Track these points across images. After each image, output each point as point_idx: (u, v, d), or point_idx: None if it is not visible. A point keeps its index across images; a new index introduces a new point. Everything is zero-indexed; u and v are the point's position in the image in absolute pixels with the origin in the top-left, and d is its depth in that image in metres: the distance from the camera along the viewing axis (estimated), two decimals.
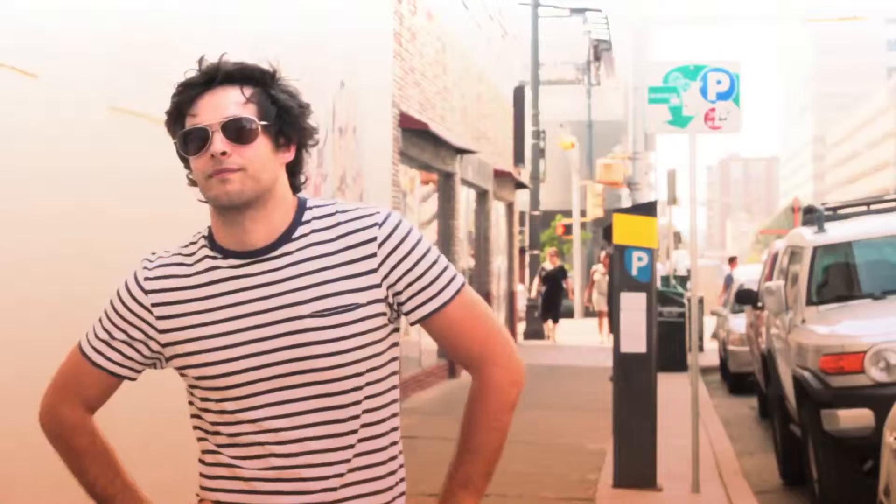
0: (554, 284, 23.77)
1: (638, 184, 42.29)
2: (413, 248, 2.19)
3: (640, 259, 8.24)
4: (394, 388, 2.24)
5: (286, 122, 2.19)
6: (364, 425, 2.16)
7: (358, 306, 2.15)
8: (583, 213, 35.93)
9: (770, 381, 10.13)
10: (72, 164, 5.20)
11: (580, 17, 35.95)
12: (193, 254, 2.24)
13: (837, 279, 8.81)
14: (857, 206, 10.07)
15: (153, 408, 5.90)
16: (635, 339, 8.21)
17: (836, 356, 7.36)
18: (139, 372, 2.32)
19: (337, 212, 2.21)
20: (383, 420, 2.20)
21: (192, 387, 2.23)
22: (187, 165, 2.21)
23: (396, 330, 2.25)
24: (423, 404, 12.83)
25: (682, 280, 25.97)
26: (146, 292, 2.23)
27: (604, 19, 37.19)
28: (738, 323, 16.17)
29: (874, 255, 8.94)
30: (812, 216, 9.34)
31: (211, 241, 2.23)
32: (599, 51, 40.33)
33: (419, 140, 13.97)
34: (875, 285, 8.48)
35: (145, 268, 2.26)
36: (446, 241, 16.43)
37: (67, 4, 5.17)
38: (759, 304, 11.83)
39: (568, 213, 36.40)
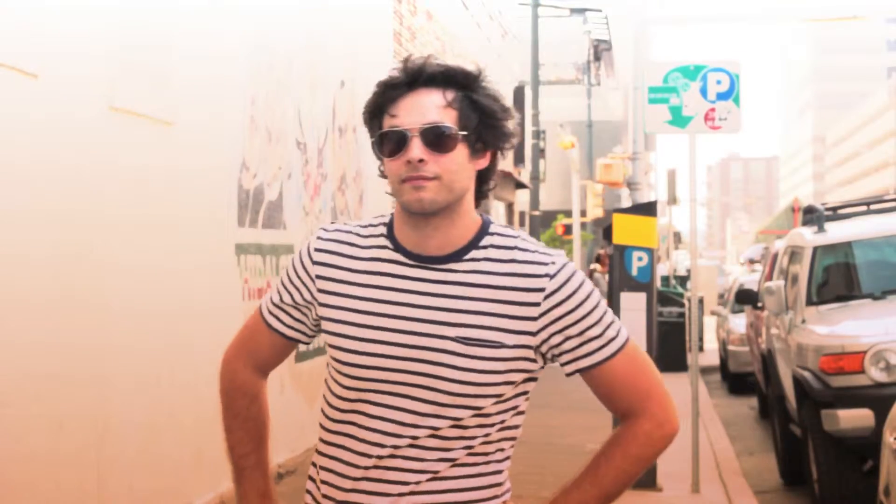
0: None
1: (638, 184, 42.22)
2: (579, 306, 2.16)
3: (640, 259, 8.24)
4: (517, 415, 2.22)
5: (487, 127, 2.15)
6: (468, 447, 2.16)
7: (503, 346, 2.12)
8: (583, 213, 35.92)
9: (770, 381, 10.13)
10: (72, 163, 5.20)
11: (580, 17, 35.92)
12: (369, 236, 2.22)
13: (837, 279, 8.81)
14: (857, 206, 10.06)
15: (152, 410, 5.90)
16: (635, 339, 8.20)
17: (836, 356, 7.35)
18: (311, 337, 2.32)
19: (516, 248, 2.17)
20: (491, 452, 2.19)
21: (330, 364, 2.24)
22: (382, 159, 2.18)
23: (541, 367, 2.23)
24: None
25: (682, 280, 25.97)
26: (314, 262, 2.24)
27: (604, 19, 37.16)
28: (738, 323, 16.17)
29: (874, 255, 8.93)
30: (812, 216, 9.33)
31: (390, 230, 2.21)
32: (599, 51, 40.30)
33: None
34: (875, 285, 8.48)
35: (319, 237, 2.26)
36: None
37: (67, 4, 5.17)
38: (759, 304, 11.83)
39: (569, 213, 36.39)
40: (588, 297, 2.17)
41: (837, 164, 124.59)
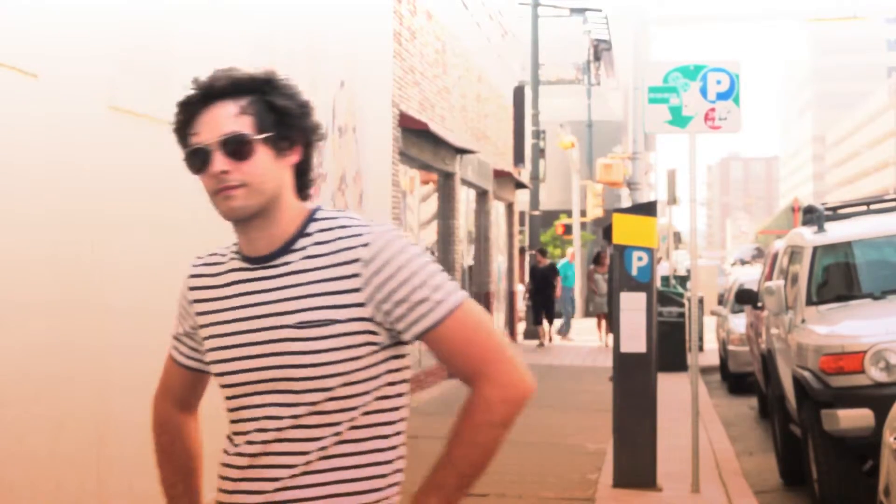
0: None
1: (638, 184, 42.28)
2: (399, 270, 2.15)
3: (640, 259, 8.24)
4: (385, 399, 2.21)
5: (286, 126, 2.19)
6: (336, 434, 2.16)
7: (335, 322, 2.14)
8: (583, 213, 35.92)
9: (770, 381, 10.13)
10: (72, 163, 5.20)
11: (580, 17, 35.95)
12: (228, 253, 2.32)
13: (837, 279, 8.81)
14: (857, 206, 10.07)
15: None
16: (635, 339, 8.21)
17: (836, 356, 7.36)
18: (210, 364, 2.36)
19: (339, 226, 2.20)
20: (363, 440, 2.18)
21: None
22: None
23: (399, 343, 2.22)
24: (423, 404, 12.84)
25: (682, 280, 25.96)
26: (189, 289, 2.34)
27: (604, 19, 37.19)
28: (738, 323, 16.17)
29: (874, 255, 8.94)
30: (812, 216, 9.34)
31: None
32: (599, 51, 40.33)
33: (419, 140, 13.97)
34: (875, 285, 8.48)
35: (193, 265, 2.36)
36: (446, 241, 16.42)
37: (67, 4, 5.17)
38: (759, 304, 11.83)
39: (569, 213, 36.40)
40: (410, 261, 2.16)
41: (837, 164, 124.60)
